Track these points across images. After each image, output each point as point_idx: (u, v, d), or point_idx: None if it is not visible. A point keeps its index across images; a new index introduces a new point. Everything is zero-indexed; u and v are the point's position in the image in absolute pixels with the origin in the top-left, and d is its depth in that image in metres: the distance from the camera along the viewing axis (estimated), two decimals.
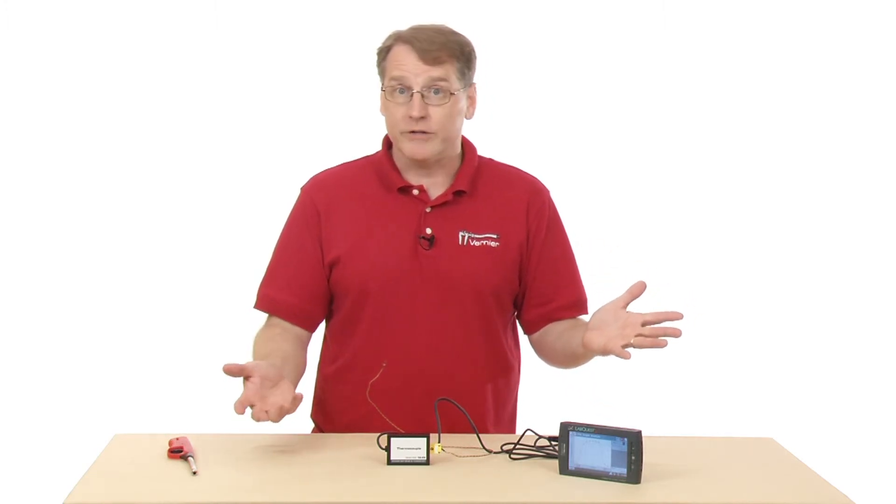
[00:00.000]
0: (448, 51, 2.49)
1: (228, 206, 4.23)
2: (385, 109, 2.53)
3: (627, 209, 4.33)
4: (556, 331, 2.59)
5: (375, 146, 2.63)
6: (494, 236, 2.56)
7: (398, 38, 2.52)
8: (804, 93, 4.31)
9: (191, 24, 4.21)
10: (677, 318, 2.25)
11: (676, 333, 2.24)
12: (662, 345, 2.23)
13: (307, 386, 2.62)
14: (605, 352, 2.31)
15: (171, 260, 4.22)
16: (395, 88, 2.49)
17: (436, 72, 2.47)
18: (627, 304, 2.31)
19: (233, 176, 4.24)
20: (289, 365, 2.42)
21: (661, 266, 4.31)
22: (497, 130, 2.79)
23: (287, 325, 2.56)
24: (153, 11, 4.19)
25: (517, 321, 2.66)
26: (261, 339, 2.53)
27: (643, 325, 2.26)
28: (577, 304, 2.62)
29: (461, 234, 2.54)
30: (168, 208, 4.23)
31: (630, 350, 2.26)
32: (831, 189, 4.33)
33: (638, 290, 2.30)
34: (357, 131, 3.22)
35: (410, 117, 2.46)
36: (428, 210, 2.54)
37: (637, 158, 4.33)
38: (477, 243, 2.55)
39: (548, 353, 2.62)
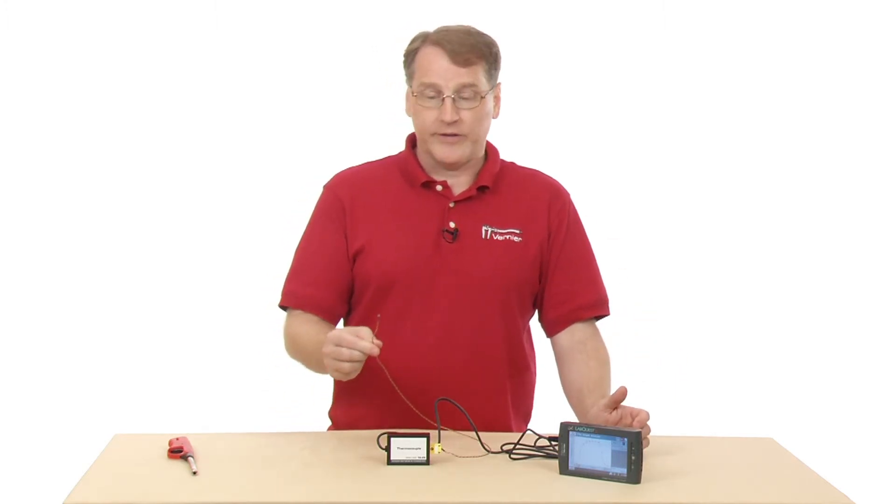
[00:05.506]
0: (477, 52, 2.50)
1: (229, 206, 4.23)
2: (414, 112, 2.53)
3: (627, 209, 4.33)
4: (578, 372, 2.58)
5: (391, 144, 2.63)
6: (517, 231, 2.57)
7: (426, 40, 2.53)
8: (804, 93, 4.31)
9: (191, 24, 4.20)
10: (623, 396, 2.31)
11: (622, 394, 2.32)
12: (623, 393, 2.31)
13: (327, 382, 2.63)
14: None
15: (171, 261, 4.22)
16: (424, 93, 2.50)
17: (466, 76, 2.48)
18: (612, 410, 2.32)
19: (232, 177, 4.24)
20: None
21: (661, 266, 4.31)
22: (494, 130, 2.79)
23: (315, 319, 2.54)
24: (153, 11, 4.19)
25: (539, 323, 2.66)
26: (304, 325, 2.51)
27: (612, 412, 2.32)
28: (598, 303, 2.63)
29: (484, 228, 2.55)
30: (168, 208, 4.23)
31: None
32: (831, 189, 4.33)
33: (620, 396, 2.31)
34: (369, 131, 3.22)
35: (442, 121, 2.48)
36: (451, 205, 2.55)
37: (635, 159, 4.32)
38: (500, 237, 2.56)
39: (563, 379, 2.62)
